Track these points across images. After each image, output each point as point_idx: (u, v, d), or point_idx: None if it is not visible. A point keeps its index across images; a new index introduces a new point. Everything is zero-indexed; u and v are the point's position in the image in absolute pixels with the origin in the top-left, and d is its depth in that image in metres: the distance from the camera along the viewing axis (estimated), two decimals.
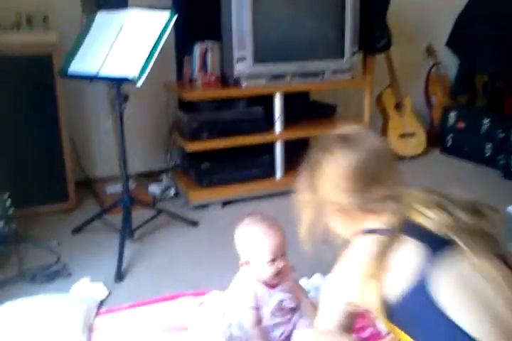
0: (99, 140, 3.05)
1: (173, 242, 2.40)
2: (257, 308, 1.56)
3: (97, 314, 1.82)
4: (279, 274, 1.57)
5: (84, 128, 3.02)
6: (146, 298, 1.90)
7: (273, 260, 1.55)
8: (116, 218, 2.44)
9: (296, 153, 3.13)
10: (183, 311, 1.83)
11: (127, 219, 2.32)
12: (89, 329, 1.72)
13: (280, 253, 1.56)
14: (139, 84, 2.08)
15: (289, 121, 2.92)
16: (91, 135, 3.05)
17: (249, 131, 2.81)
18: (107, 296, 1.94)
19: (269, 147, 2.91)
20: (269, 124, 2.88)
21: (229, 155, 2.82)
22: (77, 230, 2.45)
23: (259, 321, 1.57)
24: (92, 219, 2.46)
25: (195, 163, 2.81)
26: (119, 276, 2.06)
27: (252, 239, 1.56)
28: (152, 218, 2.47)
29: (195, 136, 2.70)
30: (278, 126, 2.88)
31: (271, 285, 1.59)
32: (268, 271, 1.55)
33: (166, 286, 2.00)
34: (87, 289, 1.92)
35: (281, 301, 1.59)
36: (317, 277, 1.98)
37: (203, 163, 2.76)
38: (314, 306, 1.69)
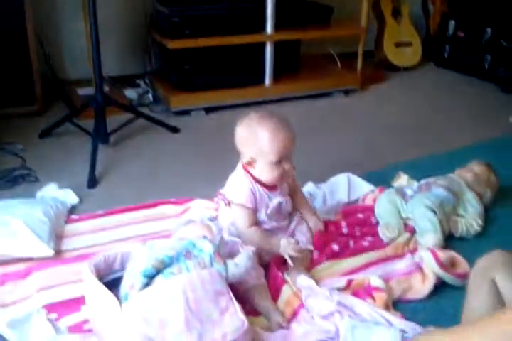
0: (69, 36, 2.64)
1: (152, 149, 2.13)
2: (255, 210, 1.36)
3: (68, 221, 1.58)
4: (283, 177, 1.35)
5: (52, 23, 2.60)
6: (121, 206, 1.66)
7: (280, 161, 1.32)
8: (89, 122, 2.14)
9: (288, 59, 2.88)
10: (163, 219, 1.61)
11: (100, 121, 2.03)
12: (58, 236, 1.50)
13: (288, 154, 1.34)
14: None
15: (280, 22, 2.55)
16: (61, 31, 2.64)
17: (238, 29, 2.45)
18: (79, 203, 1.70)
19: (259, 50, 2.56)
20: (260, 24, 2.52)
21: (214, 58, 2.48)
22: (46, 134, 2.16)
23: (256, 223, 1.38)
24: (61, 122, 2.15)
25: (176, 65, 2.47)
26: (92, 182, 1.80)
27: (260, 136, 1.31)
28: (129, 122, 2.17)
29: (177, 32, 2.33)
30: (269, 26, 2.52)
31: (270, 188, 1.38)
32: (273, 173, 1.33)
33: (144, 194, 1.76)
34: (55, 194, 1.67)
35: (280, 204, 1.40)
36: (310, 185, 1.77)
37: (186, 64, 2.42)
38: (312, 211, 1.50)
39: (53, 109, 2.43)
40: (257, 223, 1.38)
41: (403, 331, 1.12)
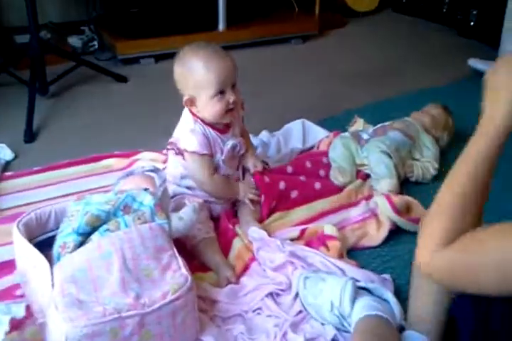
0: None
1: (96, 99, 1.94)
2: (211, 155, 1.23)
3: (1, 179, 1.42)
4: (230, 111, 1.20)
5: None
6: (62, 161, 1.50)
7: (222, 92, 1.17)
8: (29, 73, 1.91)
9: (243, 3, 2.67)
10: (107, 174, 1.47)
11: (38, 70, 1.81)
12: None
13: (230, 84, 1.18)
14: None
15: None
16: None
17: None
18: (15, 159, 1.52)
19: None
20: None
21: (163, 1, 2.25)
22: None
23: (215, 170, 1.24)
24: None
25: (122, 8, 2.23)
26: (29, 136, 1.62)
27: (195, 67, 1.15)
28: (70, 70, 1.96)
29: None
30: None
31: (222, 130, 1.24)
32: (216, 106, 1.17)
33: (87, 148, 1.60)
34: None
35: (234, 147, 1.26)
36: (264, 133, 1.64)
37: (132, 7, 2.19)
38: (254, 153, 1.37)
39: None
40: (216, 169, 1.25)
41: (355, 279, 1.04)
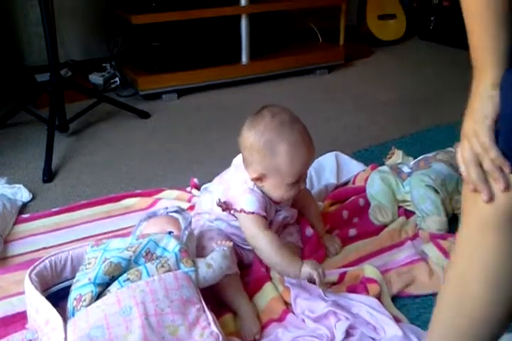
0: (30, 20, 2.38)
1: (118, 136, 1.89)
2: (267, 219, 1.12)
3: (17, 222, 1.35)
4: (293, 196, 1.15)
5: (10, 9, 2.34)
6: (81, 201, 1.43)
7: (297, 181, 1.09)
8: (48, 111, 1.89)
9: (267, 35, 2.66)
10: (128, 214, 1.39)
11: (57, 107, 1.78)
12: (5, 240, 1.27)
13: (306, 172, 1.12)
14: None
15: None
16: (21, 17, 2.37)
17: (210, 1, 2.20)
18: (33, 200, 1.46)
19: (234, 25, 2.33)
20: None
21: (185, 34, 2.24)
22: None
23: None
24: (15, 110, 1.89)
25: (143, 43, 2.22)
26: (48, 175, 1.56)
27: (278, 151, 1.04)
28: (91, 107, 1.93)
29: (141, 5, 2.09)
30: None
31: (276, 202, 1.15)
32: (285, 194, 1.10)
33: (108, 187, 1.54)
34: (3, 191, 1.43)
35: (285, 218, 1.18)
36: None
37: (153, 41, 2.17)
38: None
39: (12, 99, 2.17)
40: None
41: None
